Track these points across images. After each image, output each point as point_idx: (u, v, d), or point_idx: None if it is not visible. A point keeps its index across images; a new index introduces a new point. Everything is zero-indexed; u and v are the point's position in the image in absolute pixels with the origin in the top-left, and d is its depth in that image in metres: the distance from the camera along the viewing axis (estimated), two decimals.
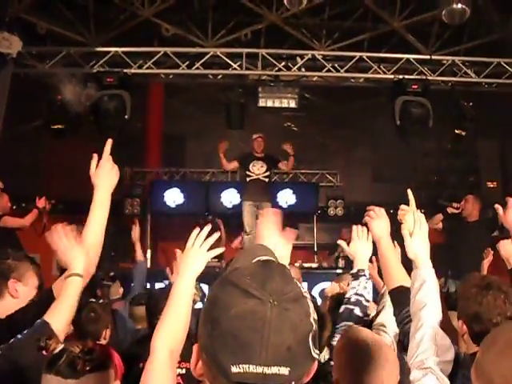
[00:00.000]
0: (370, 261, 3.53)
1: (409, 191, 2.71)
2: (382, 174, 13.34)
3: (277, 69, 9.26)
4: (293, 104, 9.20)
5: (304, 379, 1.10)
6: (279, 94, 9.15)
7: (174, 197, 12.16)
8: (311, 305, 1.09)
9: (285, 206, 11.87)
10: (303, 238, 12.48)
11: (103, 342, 3.93)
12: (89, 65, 8.92)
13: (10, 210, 8.23)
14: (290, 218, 12.70)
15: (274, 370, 1.01)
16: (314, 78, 9.77)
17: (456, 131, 9.29)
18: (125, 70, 8.67)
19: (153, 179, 12.61)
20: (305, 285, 8.99)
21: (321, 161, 12.84)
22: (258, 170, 9.50)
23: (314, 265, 10.37)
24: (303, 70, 9.44)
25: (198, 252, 2.26)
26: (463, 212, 7.95)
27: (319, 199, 12.38)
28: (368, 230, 3.13)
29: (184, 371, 3.14)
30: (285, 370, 1.02)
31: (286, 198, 12.00)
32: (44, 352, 2.12)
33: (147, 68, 9.00)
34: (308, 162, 12.50)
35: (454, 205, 7.98)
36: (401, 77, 9.05)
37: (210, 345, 1.06)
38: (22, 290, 2.79)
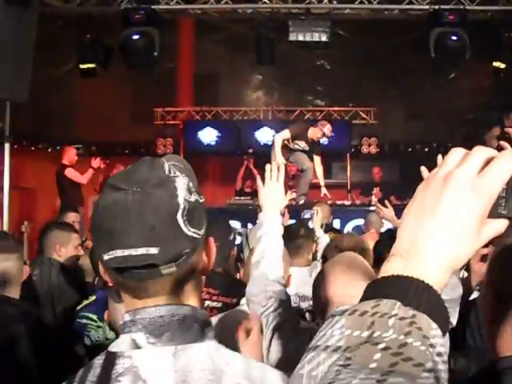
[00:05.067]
0: None
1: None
2: (416, 112, 13.04)
3: (307, 1, 9.01)
4: (324, 38, 8.92)
5: (192, 261, 1.12)
6: (310, 28, 8.91)
7: (207, 136, 12.16)
8: (183, 186, 1.12)
9: None
10: (336, 177, 12.41)
11: None
12: (116, 2, 8.79)
13: (75, 162, 9.08)
14: (324, 157, 12.67)
15: (142, 250, 1.05)
16: (346, 11, 9.46)
17: (494, 64, 8.97)
18: (152, 6, 8.53)
19: (185, 119, 12.58)
20: (337, 221, 8.98)
21: (354, 98, 12.60)
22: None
23: (347, 202, 10.30)
24: (335, 2, 9.15)
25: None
26: None
27: (352, 137, 12.24)
28: None
29: (220, 305, 3.13)
30: (154, 250, 1.05)
31: None
32: None
33: (175, 3, 8.85)
34: (341, 100, 12.30)
35: None
36: (437, 7, 8.69)
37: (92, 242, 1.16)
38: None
